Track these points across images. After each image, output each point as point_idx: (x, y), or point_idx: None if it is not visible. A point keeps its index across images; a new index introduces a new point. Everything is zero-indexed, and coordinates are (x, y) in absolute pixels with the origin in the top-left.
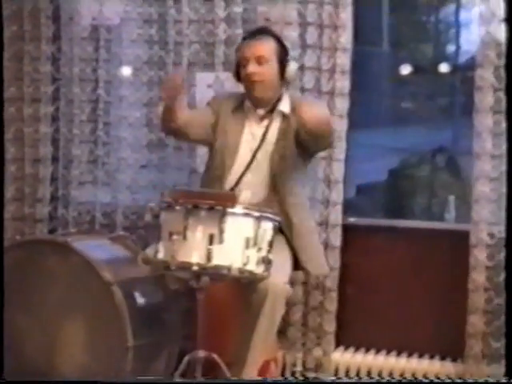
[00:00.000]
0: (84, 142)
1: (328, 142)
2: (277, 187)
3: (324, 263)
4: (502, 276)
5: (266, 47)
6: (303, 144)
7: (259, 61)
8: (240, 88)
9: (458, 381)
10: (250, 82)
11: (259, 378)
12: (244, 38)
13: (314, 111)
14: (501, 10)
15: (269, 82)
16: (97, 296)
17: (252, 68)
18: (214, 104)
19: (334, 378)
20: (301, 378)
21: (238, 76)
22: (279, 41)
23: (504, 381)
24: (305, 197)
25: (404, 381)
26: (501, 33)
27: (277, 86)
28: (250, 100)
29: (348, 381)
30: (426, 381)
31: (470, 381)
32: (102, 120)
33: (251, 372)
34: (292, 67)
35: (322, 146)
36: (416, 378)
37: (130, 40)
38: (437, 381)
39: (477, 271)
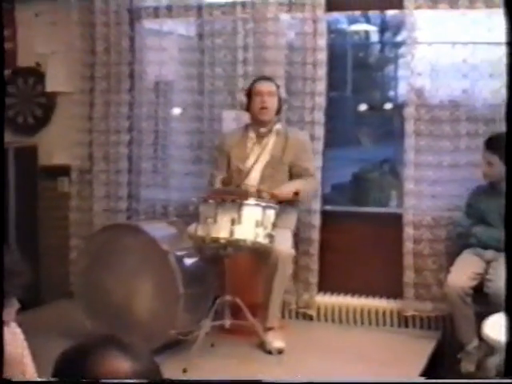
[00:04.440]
0: (149, 158)
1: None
2: (271, 181)
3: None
4: (423, 245)
5: (272, 87)
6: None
7: (269, 94)
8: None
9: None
10: (262, 108)
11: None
12: (254, 81)
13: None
14: (419, 67)
15: (273, 109)
16: (158, 261)
17: (266, 99)
18: (219, 144)
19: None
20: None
21: (247, 108)
22: (276, 85)
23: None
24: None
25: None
26: (420, 83)
27: (275, 114)
28: (256, 122)
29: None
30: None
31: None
32: (160, 143)
33: (275, 311)
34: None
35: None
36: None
37: (179, 89)
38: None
39: (408, 241)
